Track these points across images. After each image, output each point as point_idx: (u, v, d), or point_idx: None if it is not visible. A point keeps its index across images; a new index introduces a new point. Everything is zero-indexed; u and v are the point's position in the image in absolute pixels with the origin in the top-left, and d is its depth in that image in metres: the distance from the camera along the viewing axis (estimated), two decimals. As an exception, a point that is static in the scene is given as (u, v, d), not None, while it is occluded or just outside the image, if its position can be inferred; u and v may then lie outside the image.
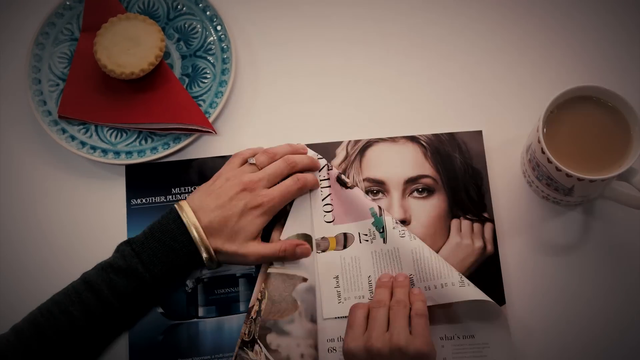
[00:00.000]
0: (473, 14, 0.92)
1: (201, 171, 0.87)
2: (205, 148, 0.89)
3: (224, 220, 0.77)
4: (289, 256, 0.81)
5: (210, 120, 0.88)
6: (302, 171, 0.83)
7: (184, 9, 0.92)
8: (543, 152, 0.75)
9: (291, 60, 0.92)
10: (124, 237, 0.85)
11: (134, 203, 0.86)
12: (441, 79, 0.90)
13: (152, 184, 0.87)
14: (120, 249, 0.77)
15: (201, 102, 0.89)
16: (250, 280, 0.83)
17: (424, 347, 0.71)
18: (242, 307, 0.83)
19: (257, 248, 0.79)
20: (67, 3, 0.91)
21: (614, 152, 0.77)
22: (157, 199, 0.86)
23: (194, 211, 0.77)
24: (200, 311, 0.83)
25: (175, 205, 0.79)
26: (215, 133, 0.89)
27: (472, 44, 0.91)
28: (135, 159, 0.87)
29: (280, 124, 0.90)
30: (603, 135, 0.77)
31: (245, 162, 0.82)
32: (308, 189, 0.83)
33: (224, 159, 0.87)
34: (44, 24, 0.91)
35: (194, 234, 0.76)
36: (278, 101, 0.91)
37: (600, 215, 0.84)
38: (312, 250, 0.82)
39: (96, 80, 0.89)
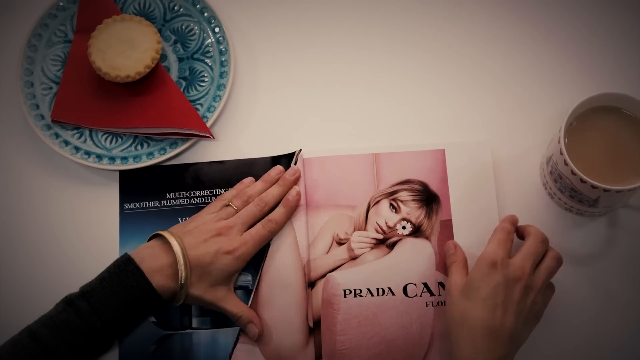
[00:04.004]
0: (482, 19, 0.91)
1: (196, 176, 0.87)
2: (202, 153, 0.88)
3: (196, 261, 0.76)
4: (241, 326, 0.79)
5: (208, 124, 0.86)
6: (275, 206, 0.83)
7: (181, 10, 0.91)
8: (566, 164, 0.74)
9: (292, 63, 0.91)
10: (116, 243, 0.84)
11: (127, 207, 0.85)
12: (448, 87, 0.89)
13: (146, 188, 0.86)
14: (75, 304, 0.73)
15: (199, 106, 0.88)
16: (247, 293, 0.82)
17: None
18: None
19: (223, 298, 0.78)
20: (61, 4, 0.91)
21: (638, 161, 0.76)
22: (151, 204, 0.85)
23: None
24: (195, 322, 0.81)
25: (161, 233, 0.77)
26: (213, 138, 0.88)
27: (481, 51, 0.90)
28: (131, 165, 0.86)
29: (280, 128, 0.89)
30: (627, 144, 0.77)
31: (224, 205, 0.82)
32: (279, 229, 0.82)
33: (220, 164, 0.87)
34: (37, 26, 0.90)
35: (180, 256, 0.75)
36: (278, 105, 0.89)
37: (625, 224, 0.83)
38: (257, 333, 0.79)
39: (90, 84, 0.88)
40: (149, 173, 0.86)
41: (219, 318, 0.81)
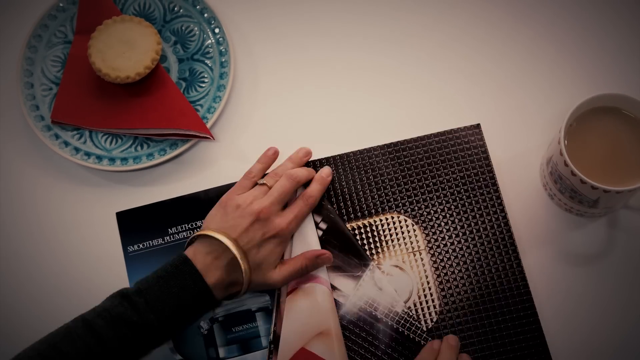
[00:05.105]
0: (481, 20, 0.91)
1: (196, 206, 0.85)
2: (202, 154, 0.88)
3: (244, 254, 0.76)
4: (311, 269, 0.80)
5: (208, 125, 0.86)
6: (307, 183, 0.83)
7: (181, 10, 0.90)
8: (566, 165, 0.74)
9: (292, 64, 0.91)
10: (116, 246, 0.84)
11: (130, 250, 0.84)
12: (446, 89, 0.89)
13: (147, 226, 0.84)
14: (132, 299, 0.72)
15: (199, 107, 0.87)
16: (268, 313, 0.81)
17: None
18: (263, 342, 0.81)
19: (281, 272, 0.78)
20: (61, 5, 0.90)
21: (638, 162, 0.77)
22: (155, 242, 0.84)
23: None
24: (221, 352, 0.81)
25: (210, 234, 0.75)
26: (213, 139, 0.87)
27: (480, 52, 0.90)
28: (131, 166, 0.86)
29: (280, 129, 0.88)
30: (627, 145, 0.77)
31: (254, 183, 0.81)
32: (315, 206, 0.82)
33: (216, 189, 0.85)
34: (37, 26, 0.89)
35: (237, 254, 0.75)
36: (278, 106, 0.89)
37: (625, 225, 0.83)
38: (328, 256, 0.80)
39: (90, 85, 0.87)
40: (147, 211, 0.85)
41: (246, 344, 0.80)
